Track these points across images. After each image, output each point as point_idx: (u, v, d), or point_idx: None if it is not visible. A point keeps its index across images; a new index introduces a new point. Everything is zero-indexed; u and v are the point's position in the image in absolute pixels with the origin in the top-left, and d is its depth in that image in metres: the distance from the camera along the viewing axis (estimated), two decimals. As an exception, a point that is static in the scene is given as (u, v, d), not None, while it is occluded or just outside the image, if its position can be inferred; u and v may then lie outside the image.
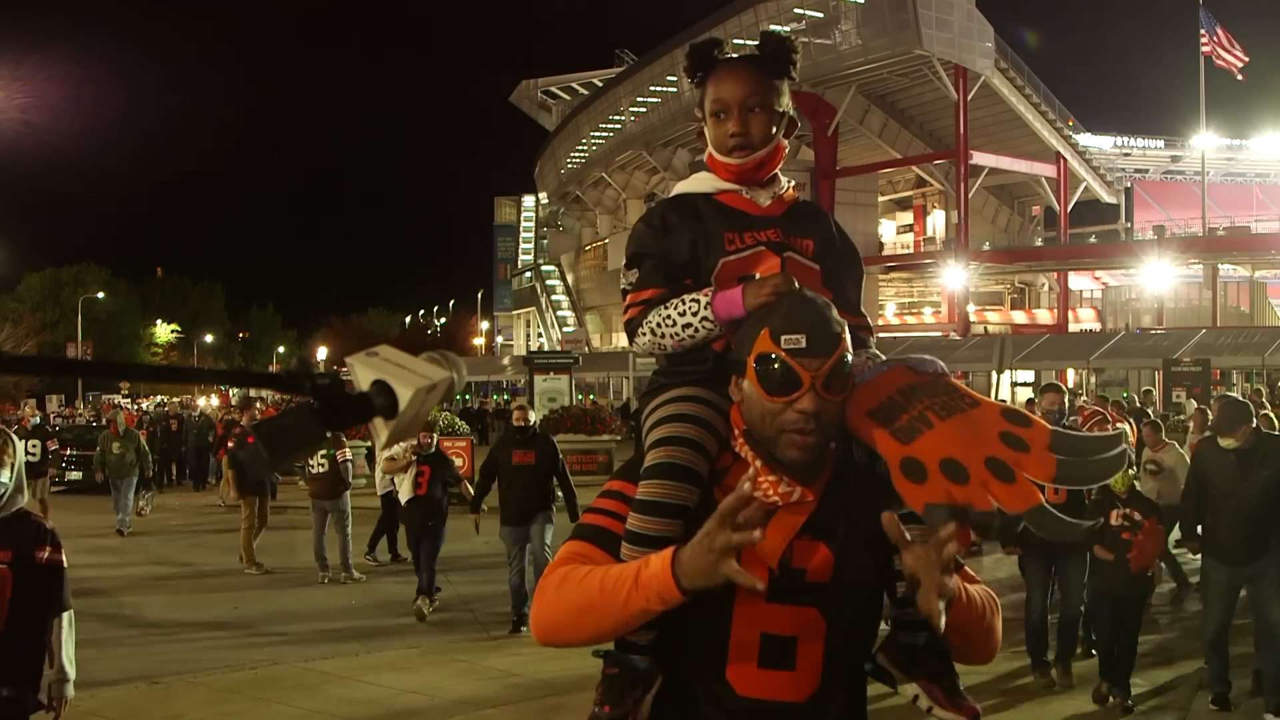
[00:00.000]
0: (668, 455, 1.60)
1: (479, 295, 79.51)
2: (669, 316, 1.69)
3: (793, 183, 1.86)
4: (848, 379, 1.57)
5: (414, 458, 8.57)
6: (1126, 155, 53.02)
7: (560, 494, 7.99)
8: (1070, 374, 30.74)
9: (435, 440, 8.91)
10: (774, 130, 1.77)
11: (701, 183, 1.82)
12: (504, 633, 7.59)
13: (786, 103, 1.79)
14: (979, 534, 1.56)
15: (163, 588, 10.00)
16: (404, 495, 8.68)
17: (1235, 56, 42.59)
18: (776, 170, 1.81)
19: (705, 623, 1.55)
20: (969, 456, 1.52)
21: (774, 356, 1.53)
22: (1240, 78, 43.23)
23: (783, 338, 1.53)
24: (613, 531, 1.59)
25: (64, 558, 3.30)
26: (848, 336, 1.58)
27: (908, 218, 55.04)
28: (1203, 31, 42.26)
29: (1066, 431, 1.58)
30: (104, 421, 14.99)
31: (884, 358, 1.75)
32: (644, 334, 1.72)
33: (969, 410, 1.60)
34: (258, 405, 18.02)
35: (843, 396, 1.57)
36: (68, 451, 18.95)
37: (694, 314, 1.67)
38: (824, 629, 1.55)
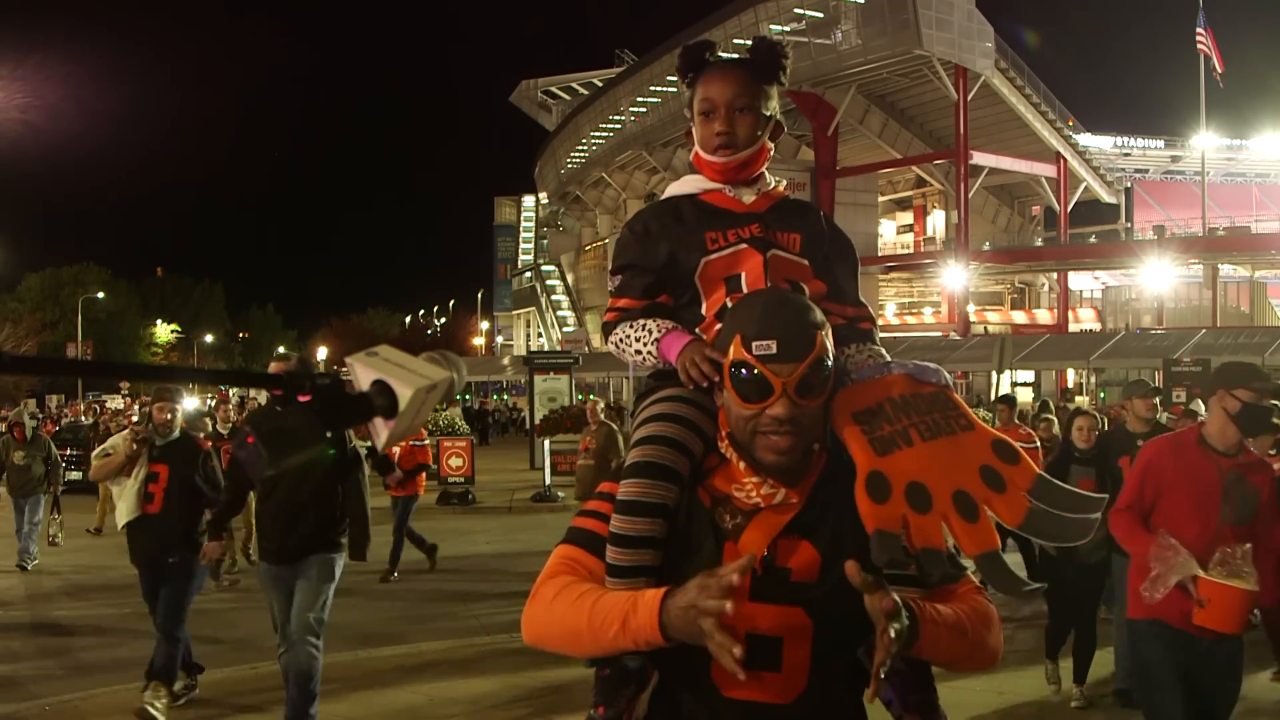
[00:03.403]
0: (645, 454, 1.61)
1: (479, 295, 79.72)
2: (628, 336, 1.75)
3: (781, 181, 1.87)
4: (825, 383, 1.55)
5: (135, 446, 5.37)
6: (1126, 155, 53.06)
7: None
8: (1070, 374, 30.75)
9: (176, 420, 5.49)
10: (759, 133, 1.79)
11: (687, 184, 1.85)
12: (505, 636, 7.51)
13: (774, 107, 1.82)
14: (918, 580, 1.51)
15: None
16: (123, 515, 5.46)
17: (1217, 59, 42.79)
18: (763, 170, 1.83)
19: None
20: (938, 485, 1.51)
21: (746, 363, 1.53)
22: (1218, 80, 43.37)
23: (754, 344, 1.52)
24: (602, 535, 1.60)
25: None
26: (828, 338, 1.56)
27: (908, 218, 55.07)
28: (1199, 31, 42.31)
29: (1053, 480, 1.55)
30: (6, 428, 11.51)
31: (889, 357, 1.73)
32: (612, 343, 1.80)
33: (959, 434, 1.58)
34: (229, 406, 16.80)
35: (819, 400, 1.56)
36: (66, 451, 18.99)
37: (643, 344, 1.72)
38: (810, 630, 1.53)
